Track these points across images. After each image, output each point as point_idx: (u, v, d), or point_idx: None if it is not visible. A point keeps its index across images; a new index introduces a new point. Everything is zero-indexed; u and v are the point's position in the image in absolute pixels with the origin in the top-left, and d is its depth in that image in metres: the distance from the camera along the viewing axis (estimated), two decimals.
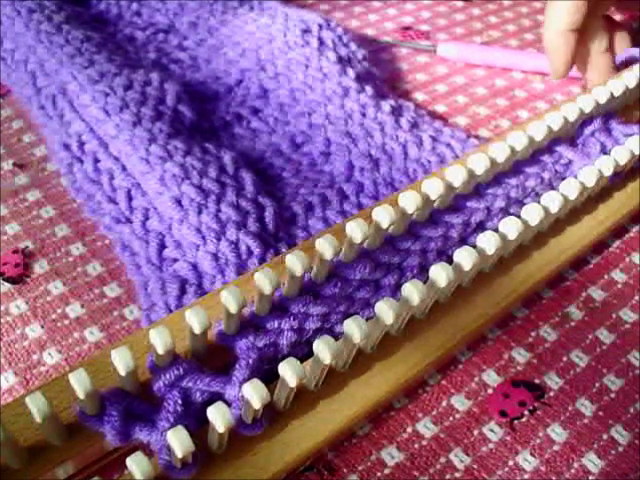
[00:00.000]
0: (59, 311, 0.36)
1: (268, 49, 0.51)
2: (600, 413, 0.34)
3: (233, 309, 0.28)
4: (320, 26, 0.53)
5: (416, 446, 0.32)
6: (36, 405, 0.24)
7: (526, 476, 0.32)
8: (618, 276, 0.41)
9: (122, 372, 0.26)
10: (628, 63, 0.51)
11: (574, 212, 0.40)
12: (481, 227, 0.37)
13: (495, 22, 0.64)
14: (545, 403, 0.34)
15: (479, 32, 0.62)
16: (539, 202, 0.36)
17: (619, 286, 0.41)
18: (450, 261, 0.32)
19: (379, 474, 0.31)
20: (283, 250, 0.37)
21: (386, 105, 0.47)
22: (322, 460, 0.31)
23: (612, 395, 0.35)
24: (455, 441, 0.33)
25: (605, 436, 0.33)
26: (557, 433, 0.33)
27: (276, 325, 0.30)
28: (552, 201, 0.36)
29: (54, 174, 0.44)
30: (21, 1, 0.52)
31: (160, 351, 0.26)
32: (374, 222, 0.32)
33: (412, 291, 0.29)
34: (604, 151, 0.42)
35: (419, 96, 0.54)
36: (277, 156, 0.46)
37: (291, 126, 0.47)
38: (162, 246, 0.38)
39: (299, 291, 0.32)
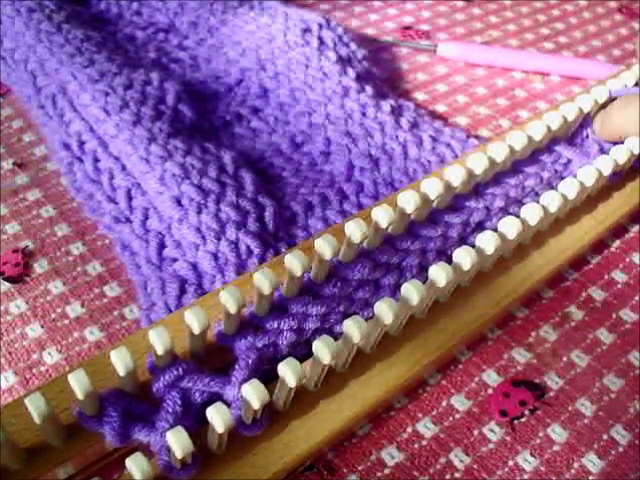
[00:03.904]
0: (59, 311, 0.36)
1: (268, 49, 0.51)
2: (600, 413, 0.34)
3: (233, 309, 0.28)
4: (320, 26, 0.53)
5: (416, 446, 0.32)
6: (35, 406, 0.24)
7: (526, 476, 0.32)
8: (618, 276, 0.41)
9: (121, 372, 0.26)
10: None
11: (574, 212, 0.40)
12: (480, 227, 0.37)
13: (495, 22, 0.64)
14: (545, 403, 0.34)
15: (479, 32, 0.62)
16: (538, 202, 0.36)
17: (619, 286, 0.41)
18: (449, 261, 0.32)
19: (379, 474, 0.31)
20: (283, 250, 0.37)
21: (386, 105, 0.47)
22: (322, 460, 0.31)
23: (612, 395, 0.35)
24: (455, 441, 0.33)
25: (605, 436, 0.33)
26: (557, 433, 0.33)
27: (275, 325, 0.30)
28: (551, 201, 0.36)
29: (54, 173, 0.44)
30: (21, 0, 0.52)
31: (159, 352, 0.26)
32: (373, 222, 0.32)
33: (411, 291, 0.29)
34: (603, 150, 0.42)
35: (419, 96, 0.54)
36: (277, 156, 0.45)
37: (291, 126, 0.47)
38: (162, 246, 0.38)
39: (298, 291, 0.32)
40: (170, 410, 0.27)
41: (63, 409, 0.27)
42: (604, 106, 0.43)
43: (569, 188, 0.37)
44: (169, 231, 0.38)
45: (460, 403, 0.34)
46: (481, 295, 0.35)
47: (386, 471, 0.31)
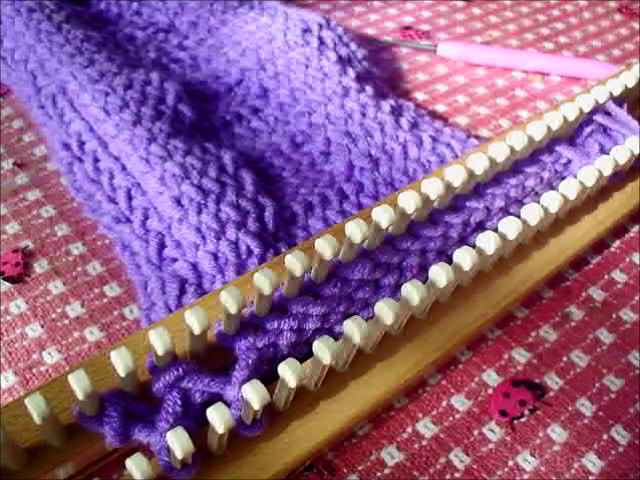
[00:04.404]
0: (59, 310, 0.36)
1: (268, 49, 0.51)
2: (600, 413, 0.34)
3: (233, 310, 0.28)
4: (320, 26, 0.53)
5: (416, 446, 0.32)
6: (35, 406, 0.24)
7: (526, 476, 0.32)
8: (618, 276, 0.41)
9: (122, 373, 0.26)
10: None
11: (574, 212, 0.40)
12: (481, 227, 0.37)
13: (495, 22, 0.64)
14: (545, 403, 0.34)
15: (479, 32, 0.62)
16: (539, 202, 0.36)
17: (619, 286, 0.41)
18: (450, 261, 0.32)
19: (379, 474, 0.31)
20: (283, 250, 0.37)
21: (386, 105, 0.47)
22: (322, 460, 0.31)
23: (612, 395, 0.35)
24: (455, 441, 0.33)
25: (605, 436, 0.33)
26: (557, 433, 0.33)
27: (276, 325, 0.30)
28: (552, 201, 0.36)
29: (54, 173, 0.44)
30: (21, 0, 0.52)
31: (159, 352, 0.26)
32: (373, 222, 0.32)
33: (412, 291, 0.29)
34: (603, 150, 0.42)
35: (419, 96, 0.54)
36: (277, 156, 0.45)
37: (291, 126, 0.47)
38: (162, 246, 0.38)
39: (299, 291, 0.32)
40: (170, 410, 0.27)
41: (63, 409, 0.27)
42: None
43: (569, 188, 0.37)
44: (169, 231, 0.38)
45: (460, 403, 0.34)
46: (481, 295, 0.35)
47: (386, 471, 0.31)
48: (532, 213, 0.35)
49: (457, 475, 0.32)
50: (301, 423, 0.29)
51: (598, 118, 0.43)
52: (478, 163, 0.36)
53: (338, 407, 0.30)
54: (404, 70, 0.57)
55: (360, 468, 0.31)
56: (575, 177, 0.38)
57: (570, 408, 0.34)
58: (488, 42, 0.61)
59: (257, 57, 0.51)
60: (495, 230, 0.34)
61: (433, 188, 0.34)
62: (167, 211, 0.38)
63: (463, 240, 0.36)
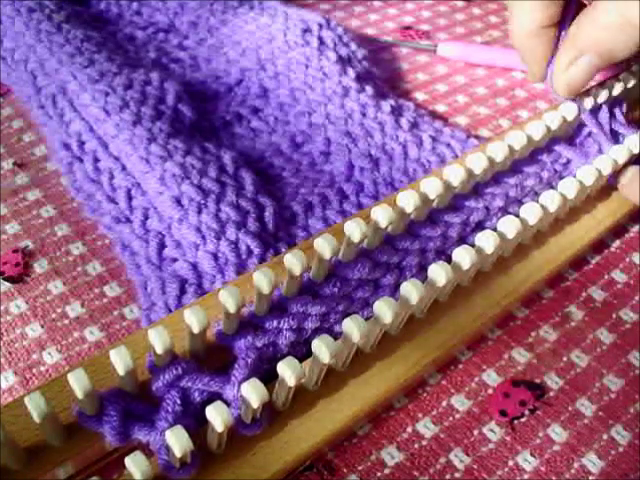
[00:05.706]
0: (59, 310, 0.36)
1: (268, 49, 0.51)
2: (600, 413, 0.34)
3: (232, 309, 0.28)
4: (320, 26, 0.53)
5: (416, 446, 0.32)
6: (35, 405, 0.24)
7: (526, 476, 0.32)
8: (618, 276, 0.41)
9: (121, 372, 0.26)
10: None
11: (573, 211, 0.40)
12: (480, 226, 0.37)
13: (495, 22, 0.64)
14: (545, 403, 0.34)
15: (479, 32, 0.62)
16: (538, 201, 0.36)
17: (619, 286, 0.41)
18: (449, 260, 0.32)
19: (379, 474, 0.31)
20: (283, 250, 0.37)
21: (386, 105, 0.47)
22: (322, 460, 0.31)
23: (612, 395, 0.35)
24: (455, 441, 0.33)
25: (605, 436, 0.33)
26: (557, 433, 0.33)
27: (275, 325, 0.30)
28: (551, 200, 0.36)
29: (54, 173, 0.44)
30: (21, 0, 0.52)
31: (159, 351, 0.26)
32: (373, 222, 0.32)
33: (411, 290, 0.29)
34: (602, 150, 0.42)
35: (419, 96, 0.54)
36: (277, 156, 0.45)
37: (291, 126, 0.47)
38: (162, 246, 0.38)
39: (298, 291, 0.31)
40: (170, 409, 0.27)
41: (63, 409, 0.27)
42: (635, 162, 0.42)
43: (569, 188, 0.37)
44: (169, 231, 0.38)
45: (460, 403, 0.34)
46: (481, 295, 0.35)
47: (386, 471, 0.31)
48: (531, 212, 0.35)
49: (457, 475, 0.32)
50: (301, 422, 0.29)
51: (597, 118, 0.43)
52: (477, 163, 0.36)
53: (338, 406, 0.30)
54: (404, 70, 0.57)
55: (360, 468, 0.31)
56: (574, 177, 0.38)
57: (570, 408, 0.34)
58: (488, 42, 0.61)
59: (257, 57, 0.51)
60: (494, 229, 0.34)
61: (432, 188, 0.34)
62: (167, 211, 0.38)
63: (462, 240, 0.36)
